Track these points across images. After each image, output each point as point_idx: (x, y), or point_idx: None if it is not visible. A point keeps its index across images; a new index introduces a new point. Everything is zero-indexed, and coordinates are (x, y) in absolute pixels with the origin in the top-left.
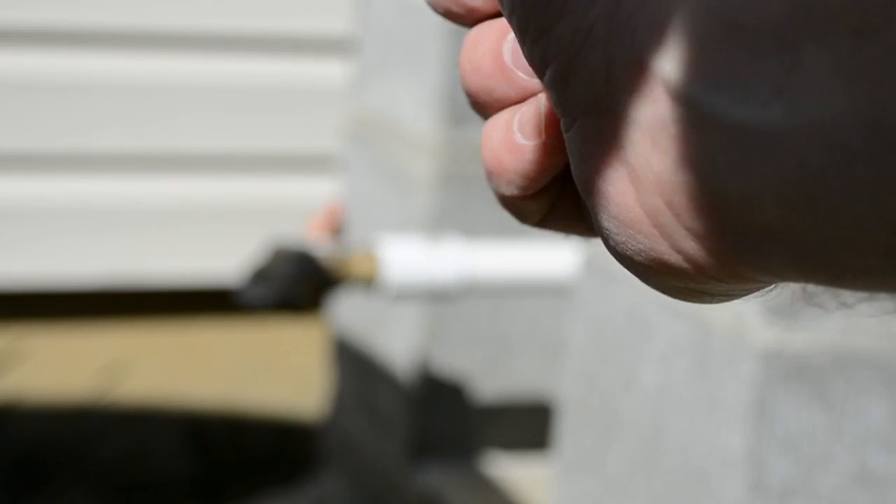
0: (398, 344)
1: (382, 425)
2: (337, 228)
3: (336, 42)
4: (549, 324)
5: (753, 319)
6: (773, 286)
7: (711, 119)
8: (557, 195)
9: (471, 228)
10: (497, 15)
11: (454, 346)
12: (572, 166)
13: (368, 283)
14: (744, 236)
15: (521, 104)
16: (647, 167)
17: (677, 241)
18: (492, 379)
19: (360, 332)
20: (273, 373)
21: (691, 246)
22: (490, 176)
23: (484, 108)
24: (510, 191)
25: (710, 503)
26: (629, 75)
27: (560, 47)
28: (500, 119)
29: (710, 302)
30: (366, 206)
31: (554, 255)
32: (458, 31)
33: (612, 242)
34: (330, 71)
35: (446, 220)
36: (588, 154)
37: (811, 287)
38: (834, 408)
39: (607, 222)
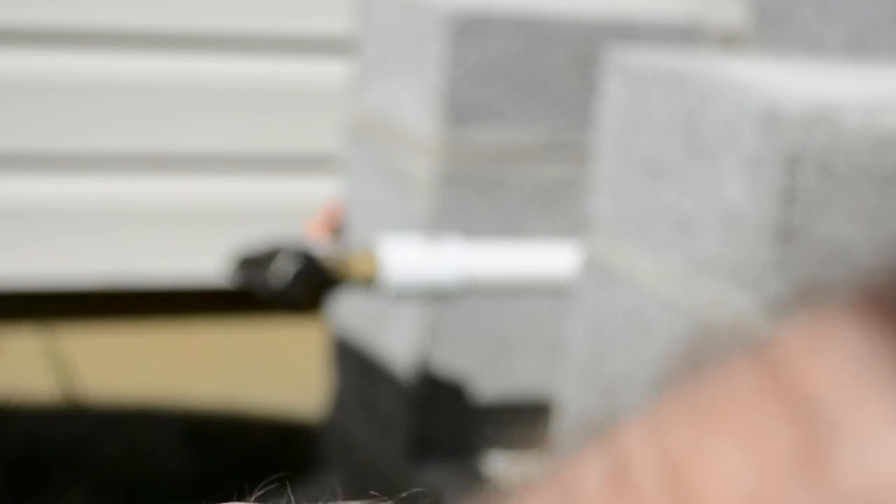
0: (398, 344)
1: (382, 425)
2: (337, 228)
3: (336, 42)
4: (549, 324)
5: (753, 319)
6: None
7: None
8: None
9: (471, 228)
10: None
11: (454, 346)
12: None
13: (368, 283)
14: None
15: None
16: None
17: None
18: (492, 379)
19: (360, 332)
20: (273, 373)
21: None
22: None
23: None
24: None
25: None
26: None
27: None
28: None
29: None
30: (366, 206)
31: (554, 255)
32: (458, 30)
33: None
34: (330, 71)
35: (446, 220)
36: None
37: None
38: None
39: None
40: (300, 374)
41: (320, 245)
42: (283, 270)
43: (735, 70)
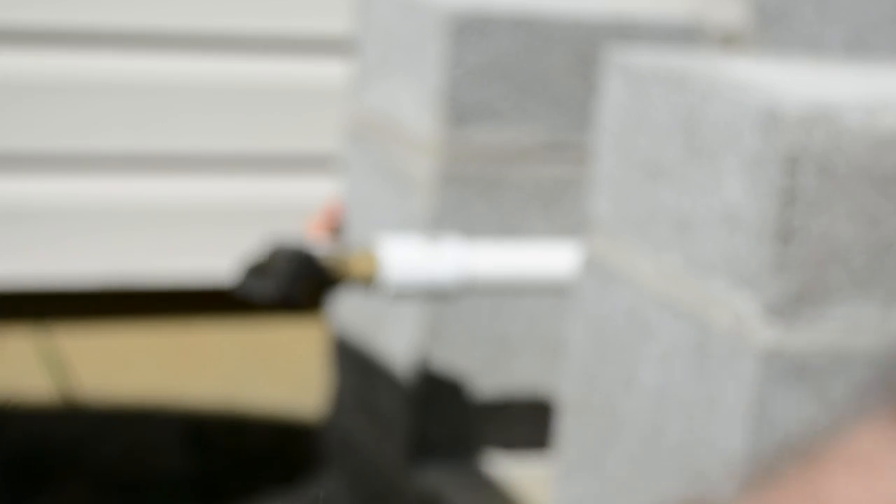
0: (398, 343)
1: (382, 425)
2: (337, 228)
3: (336, 42)
4: (549, 324)
5: (753, 319)
6: None
7: None
8: None
9: (471, 228)
10: None
11: (454, 346)
12: None
13: (368, 282)
14: None
15: None
16: None
17: None
18: (492, 379)
19: (359, 331)
20: (273, 373)
21: None
22: None
23: None
24: None
25: None
26: None
27: None
28: None
29: None
30: (366, 205)
31: (554, 255)
32: (458, 30)
33: None
34: (330, 71)
35: (446, 220)
36: None
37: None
38: (834, 408)
39: None
40: (300, 374)
41: (320, 245)
42: (283, 270)
43: (735, 70)
